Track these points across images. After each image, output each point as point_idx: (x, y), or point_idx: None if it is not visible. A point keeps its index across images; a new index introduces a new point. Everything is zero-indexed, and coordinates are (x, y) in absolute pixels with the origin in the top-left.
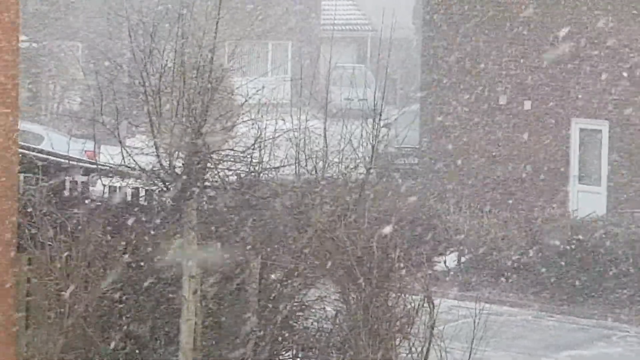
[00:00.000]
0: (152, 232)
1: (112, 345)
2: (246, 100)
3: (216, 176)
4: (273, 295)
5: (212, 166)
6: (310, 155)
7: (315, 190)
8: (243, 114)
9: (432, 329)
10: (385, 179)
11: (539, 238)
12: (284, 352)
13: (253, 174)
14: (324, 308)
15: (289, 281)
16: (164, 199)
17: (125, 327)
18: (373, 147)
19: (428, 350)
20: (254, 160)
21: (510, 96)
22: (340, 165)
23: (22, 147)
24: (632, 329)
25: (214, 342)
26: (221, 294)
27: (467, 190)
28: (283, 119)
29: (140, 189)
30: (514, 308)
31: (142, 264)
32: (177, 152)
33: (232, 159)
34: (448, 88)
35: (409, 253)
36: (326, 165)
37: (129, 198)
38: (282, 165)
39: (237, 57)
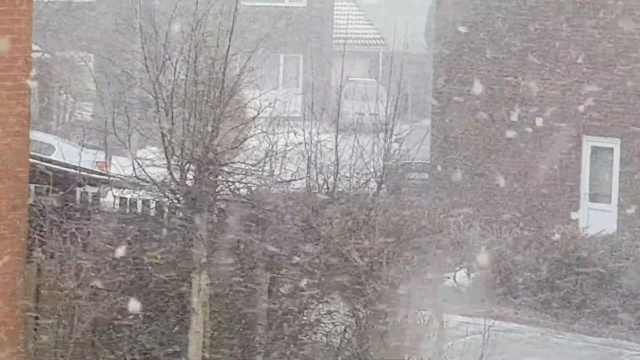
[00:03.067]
0: (162, 244)
1: (120, 356)
2: (258, 114)
3: (227, 189)
4: (282, 309)
5: (223, 179)
6: (321, 169)
7: (326, 204)
8: (255, 127)
9: (441, 345)
10: (395, 193)
11: (549, 255)
12: None
13: (264, 187)
14: (333, 323)
15: (298, 295)
16: (174, 210)
17: (133, 338)
18: (384, 161)
19: None
20: (264, 174)
21: (522, 113)
22: (351, 179)
23: (33, 157)
24: None
25: (221, 355)
26: (230, 307)
27: (477, 206)
28: (295, 133)
29: (150, 200)
30: (522, 325)
31: (151, 275)
32: (188, 165)
33: (243, 172)
34: (459, 103)
35: (418, 268)
36: (337, 180)
37: (139, 209)
38: (293, 178)
39: (249, 70)
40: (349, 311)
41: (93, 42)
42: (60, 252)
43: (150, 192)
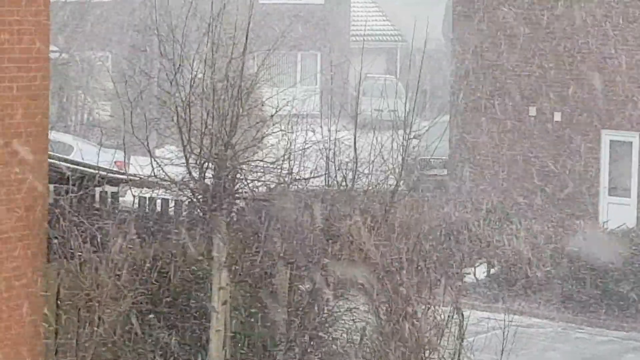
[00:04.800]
0: (182, 243)
1: (141, 356)
2: (276, 112)
3: (246, 187)
4: (302, 306)
5: (241, 177)
6: (340, 166)
7: (345, 202)
8: (273, 125)
9: (462, 340)
10: (415, 190)
11: (569, 250)
12: None
13: (283, 185)
14: (353, 319)
15: (318, 292)
16: (193, 209)
17: (154, 338)
18: (403, 158)
19: None
20: (283, 171)
21: (541, 107)
22: (370, 176)
23: (52, 157)
24: None
25: (243, 353)
26: (250, 305)
27: (496, 201)
28: (313, 130)
29: (169, 199)
30: (543, 320)
31: (171, 274)
32: (206, 163)
33: (261, 170)
34: (478, 99)
35: (438, 264)
36: (356, 177)
37: (158, 209)
38: (311, 176)
39: (266, 68)
40: (369, 308)
41: (110, 41)
42: (80, 251)
43: (169, 191)
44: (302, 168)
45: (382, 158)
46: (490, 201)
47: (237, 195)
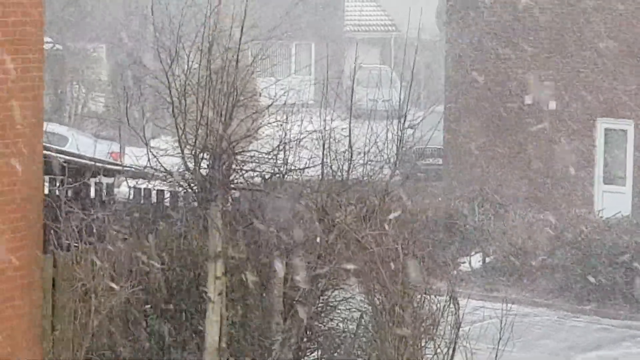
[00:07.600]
0: (177, 234)
1: (137, 346)
2: (273, 102)
3: (241, 178)
4: (298, 296)
5: (237, 167)
6: (336, 157)
7: (341, 192)
8: (269, 115)
9: (458, 329)
10: (410, 180)
11: (564, 238)
12: (309, 354)
13: (278, 175)
14: (349, 309)
15: (314, 282)
16: (189, 200)
17: (150, 329)
18: (398, 148)
19: (454, 351)
20: (278, 162)
21: (536, 96)
22: (365, 166)
23: (47, 149)
24: None
25: (239, 344)
26: (246, 295)
27: (491, 190)
28: (310, 119)
29: (165, 190)
30: (539, 308)
31: (167, 265)
32: (202, 154)
33: (257, 160)
34: (472, 88)
35: (434, 254)
36: (351, 166)
37: (154, 200)
38: (307, 166)
39: (262, 58)
40: (364, 297)
41: (105, 32)
42: (75, 243)
43: (164, 182)
44: (297, 158)
45: (377, 148)
46: (486, 190)
47: (232, 185)
